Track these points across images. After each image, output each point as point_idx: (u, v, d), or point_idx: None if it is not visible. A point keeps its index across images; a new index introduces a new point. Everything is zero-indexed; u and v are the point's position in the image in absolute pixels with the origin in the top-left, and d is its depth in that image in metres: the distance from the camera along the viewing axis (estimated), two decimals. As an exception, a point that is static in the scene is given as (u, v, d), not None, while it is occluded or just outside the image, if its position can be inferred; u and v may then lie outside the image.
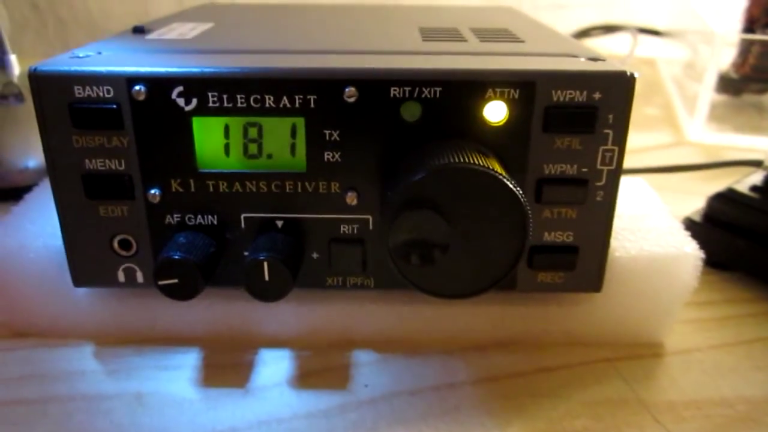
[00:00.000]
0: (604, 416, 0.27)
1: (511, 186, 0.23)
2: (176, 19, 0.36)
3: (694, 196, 0.39)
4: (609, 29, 0.77)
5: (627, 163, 0.46)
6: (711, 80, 0.54)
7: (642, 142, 0.55)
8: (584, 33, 0.78)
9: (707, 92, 0.54)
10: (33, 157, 0.41)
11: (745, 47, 0.59)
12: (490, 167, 0.23)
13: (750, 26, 0.60)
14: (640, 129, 0.59)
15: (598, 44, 0.75)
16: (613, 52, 0.72)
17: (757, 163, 0.43)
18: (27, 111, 0.42)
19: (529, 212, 0.23)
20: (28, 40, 0.77)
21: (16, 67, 0.45)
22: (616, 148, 0.26)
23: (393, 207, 0.23)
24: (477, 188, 0.23)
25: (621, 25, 0.76)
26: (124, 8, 0.78)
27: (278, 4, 0.46)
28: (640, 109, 0.64)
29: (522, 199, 0.23)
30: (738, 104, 0.60)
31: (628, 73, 0.25)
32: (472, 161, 0.23)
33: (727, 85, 0.60)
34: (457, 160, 0.23)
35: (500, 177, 0.22)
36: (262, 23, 0.37)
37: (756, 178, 0.37)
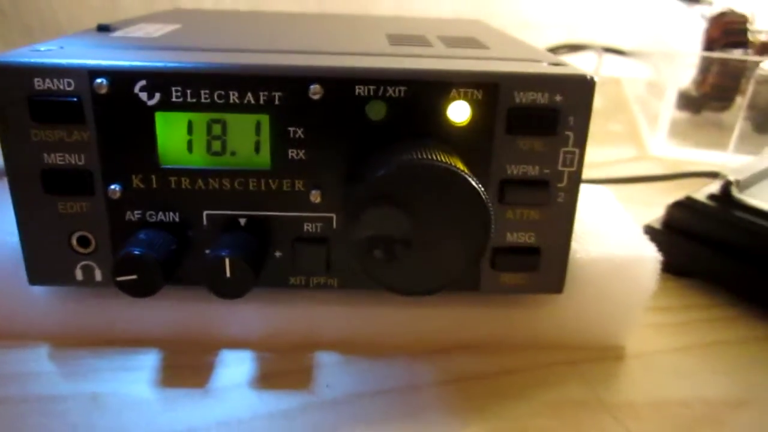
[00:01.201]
0: (565, 416, 0.27)
1: (473, 183, 0.23)
2: (143, 20, 0.36)
3: (655, 206, 0.40)
4: (575, 48, 0.78)
5: (591, 175, 0.47)
6: (672, 97, 0.55)
7: (606, 156, 0.56)
8: (551, 51, 0.80)
9: (668, 108, 0.55)
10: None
11: (705, 67, 0.61)
12: (453, 164, 0.23)
13: (710, 47, 0.62)
14: (605, 144, 0.60)
15: (564, 62, 0.77)
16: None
17: (713, 175, 0.44)
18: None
19: (491, 209, 0.23)
20: (-7, 47, 0.76)
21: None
22: (577, 150, 0.26)
23: (356, 202, 0.23)
24: (440, 185, 0.23)
25: (587, 44, 0.78)
26: (93, 17, 0.77)
27: (248, 11, 0.46)
28: (604, 126, 0.65)
29: (484, 196, 0.23)
30: (698, 121, 0.61)
31: (589, 77, 0.25)
32: (435, 158, 0.23)
33: (688, 102, 0.62)
34: (420, 156, 0.23)
35: (463, 174, 0.23)
36: (231, 26, 0.37)
37: (713, 187, 0.38)
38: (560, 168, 0.26)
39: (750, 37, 0.61)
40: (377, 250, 0.23)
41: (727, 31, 0.60)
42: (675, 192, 0.42)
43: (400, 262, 0.23)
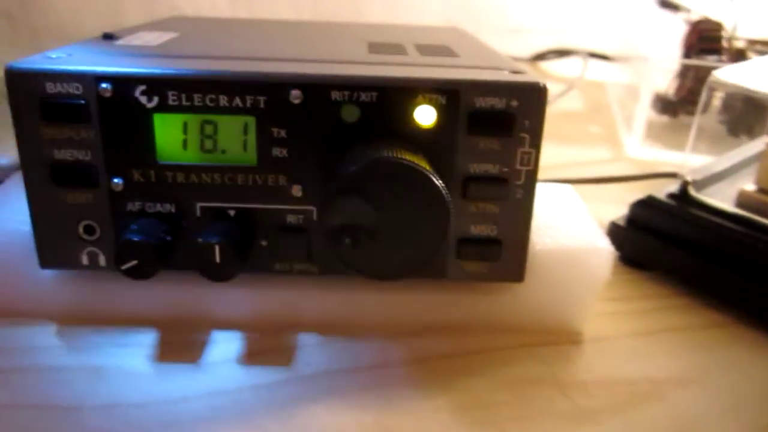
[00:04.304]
0: (522, 392, 0.30)
1: (433, 179, 0.26)
2: (144, 28, 0.39)
3: (624, 205, 0.43)
4: (562, 53, 0.81)
5: (568, 174, 0.49)
6: (646, 99, 0.58)
7: (584, 157, 0.59)
8: (539, 57, 0.83)
9: (643, 111, 0.58)
10: (6, 154, 0.43)
11: (683, 72, 0.64)
12: (415, 162, 0.26)
13: (687, 53, 0.65)
14: (584, 145, 0.63)
15: (551, 67, 0.80)
16: (565, 75, 0.77)
17: (674, 175, 0.47)
18: (1, 111, 0.45)
19: (450, 203, 0.26)
20: (1, 48, 0.79)
21: (-9, 70, 0.47)
22: (533, 151, 0.29)
23: (329, 195, 0.26)
24: (403, 180, 0.26)
25: (573, 49, 0.81)
26: (97, 20, 0.80)
27: (241, 19, 0.49)
28: (585, 128, 0.68)
29: (443, 191, 0.26)
30: (675, 124, 0.64)
31: (541, 84, 0.28)
32: (399, 156, 0.26)
33: (667, 106, 0.64)
34: (387, 155, 0.26)
35: (423, 170, 0.26)
36: (223, 34, 0.40)
37: (673, 187, 0.40)
38: (518, 167, 0.29)
39: (726, 44, 0.64)
40: (346, 238, 0.26)
41: (702, 38, 0.62)
42: (645, 192, 0.45)
43: (367, 249, 0.26)
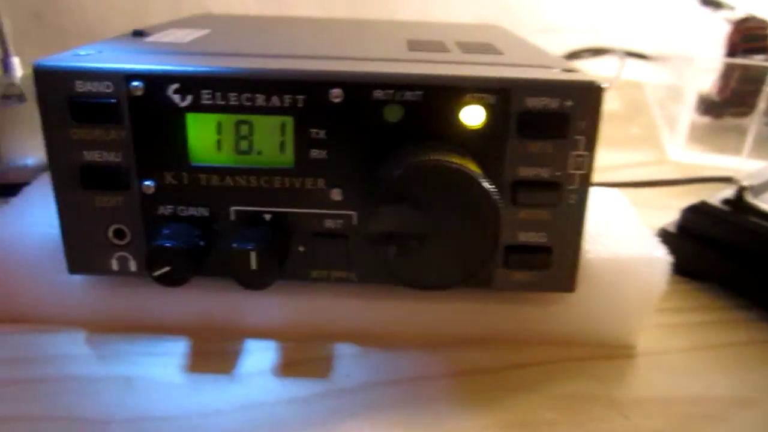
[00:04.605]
0: (574, 410, 0.28)
1: (483, 184, 0.24)
2: (174, 25, 0.38)
3: (671, 210, 0.41)
4: (597, 52, 0.79)
5: (609, 178, 0.47)
6: (690, 101, 0.56)
7: (625, 160, 0.57)
8: (574, 55, 0.80)
9: (687, 113, 0.56)
10: (32, 155, 0.43)
11: (727, 72, 0.61)
12: (465, 166, 0.24)
13: (731, 52, 0.62)
14: (624, 147, 0.60)
15: (586, 66, 0.77)
16: (601, 75, 0.74)
17: (728, 180, 0.45)
18: (28, 111, 0.44)
19: (501, 207, 0.24)
20: (29, 47, 0.79)
21: (19, 69, 0.47)
22: (587, 154, 0.27)
23: (374, 200, 0.24)
24: (452, 185, 0.24)
25: (609, 48, 0.78)
26: (124, 19, 0.80)
27: (273, 17, 0.48)
28: (625, 129, 0.66)
29: (494, 196, 0.24)
30: (719, 126, 0.61)
31: (597, 83, 0.26)
32: (448, 160, 0.24)
33: (710, 108, 0.62)
34: (434, 158, 0.24)
35: (473, 175, 0.24)
36: (257, 32, 0.38)
37: (727, 192, 0.38)
38: (571, 171, 0.28)
39: (772, 42, 0.61)
40: (392, 246, 0.24)
41: (748, 37, 0.60)
42: (691, 196, 0.42)
43: (414, 257, 0.25)
